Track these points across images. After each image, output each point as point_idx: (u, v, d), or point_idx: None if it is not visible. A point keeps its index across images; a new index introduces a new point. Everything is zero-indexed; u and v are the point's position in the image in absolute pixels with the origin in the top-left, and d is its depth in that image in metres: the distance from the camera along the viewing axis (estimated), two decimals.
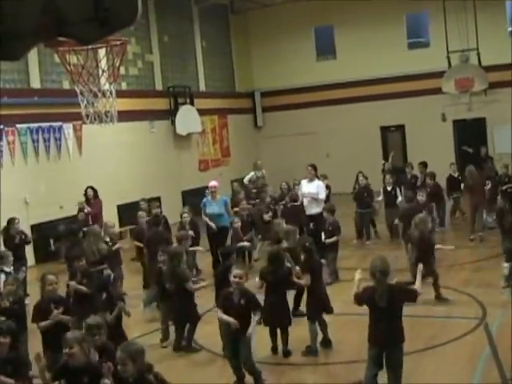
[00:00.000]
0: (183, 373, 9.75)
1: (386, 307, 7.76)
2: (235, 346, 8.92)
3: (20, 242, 15.29)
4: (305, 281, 10.36)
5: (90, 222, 18.38)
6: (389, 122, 29.22)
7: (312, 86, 29.93)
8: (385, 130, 29.77)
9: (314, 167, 16.85)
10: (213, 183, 16.59)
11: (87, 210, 18.45)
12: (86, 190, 18.98)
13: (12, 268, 12.81)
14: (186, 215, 15.86)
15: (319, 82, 29.78)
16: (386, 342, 7.87)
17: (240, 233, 15.74)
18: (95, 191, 19.00)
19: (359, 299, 8.05)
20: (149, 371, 6.48)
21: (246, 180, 21.65)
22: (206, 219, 15.99)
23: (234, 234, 15.67)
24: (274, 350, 10.34)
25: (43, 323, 9.05)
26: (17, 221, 15.38)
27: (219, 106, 29.19)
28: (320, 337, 10.37)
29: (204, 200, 16.37)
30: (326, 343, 10.41)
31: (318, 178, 17.06)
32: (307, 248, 10.82)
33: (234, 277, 8.92)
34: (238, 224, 15.73)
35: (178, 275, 10.95)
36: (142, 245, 14.97)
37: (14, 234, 15.28)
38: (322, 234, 14.64)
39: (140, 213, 16.16)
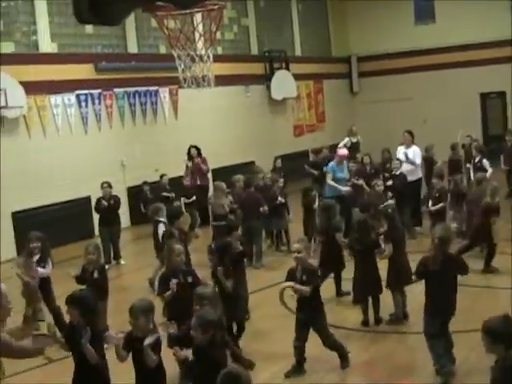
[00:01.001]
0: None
1: (439, 273, 7.76)
2: (302, 325, 8.56)
3: (109, 207, 15.35)
4: (387, 250, 10.16)
5: (198, 181, 18.85)
6: (489, 88, 28.42)
7: (410, 50, 29.34)
8: (484, 96, 28.99)
9: (411, 133, 16.61)
10: (344, 152, 16.41)
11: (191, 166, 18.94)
12: (189, 150, 19.22)
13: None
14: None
15: (417, 47, 29.16)
16: (443, 310, 7.91)
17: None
18: (199, 150, 19.23)
19: (416, 272, 8.23)
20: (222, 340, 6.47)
21: (340, 146, 21.44)
22: (334, 183, 15.58)
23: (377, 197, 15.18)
24: (365, 323, 10.23)
25: (167, 293, 8.58)
26: (105, 185, 15.46)
27: (315, 70, 28.97)
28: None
29: (331, 165, 15.95)
30: (404, 316, 10.28)
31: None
32: (389, 215, 10.65)
33: (294, 252, 8.67)
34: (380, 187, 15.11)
35: (330, 227, 11.54)
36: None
37: (105, 197, 15.40)
38: (430, 201, 14.29)
39: (236, 177, 16.13)
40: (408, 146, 16.41)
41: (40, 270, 10.32)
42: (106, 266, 14.50)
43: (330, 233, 11.61)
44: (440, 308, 7.94)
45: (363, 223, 10.46)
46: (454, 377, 8.02)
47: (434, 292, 7.92)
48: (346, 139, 21.33)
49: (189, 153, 19.22)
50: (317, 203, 14.91)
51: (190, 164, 19.07)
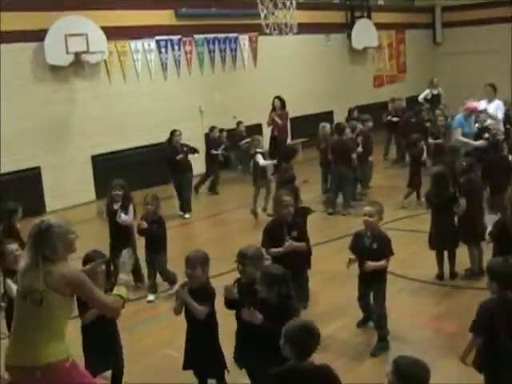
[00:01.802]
0: None
1: None
2: (366, 292, 8.18)
3: (181, 153, 15.12)
4: (461, 204, 9.95)
5: (276, 133, 18.75)
6: None
7: (496, 0, 28.41)
8: None
9: (493, 86, 16.16)
10: (473, 105, 15.53)
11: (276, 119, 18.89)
12: (273, 100, 19.17)
13: None
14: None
15: None
16: None
17: None
18: (282, 101, 19.14)
19: (495, 236, 8.06)
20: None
21: (420, 98, 21.12)
22: (464, 138, 14.82)
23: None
24: (440, 277, 10.11)
25: (274, 250, 8.27)
26: (178, 133, 15.20)
27: (397, 20, 28.36)
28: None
29: (458, 120, 15.14)
30: (480, 271, 10.01)
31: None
32: (465, 169, 10.48)
33: (364, 215, 7.94)
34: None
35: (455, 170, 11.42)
36: None
37: (176, 146, 15.18)
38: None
39: (323, 124, 15.99)
40: (490, 101, 16.00)
41: (122, 216, 10.37)
42: (187, 216, 14.85)
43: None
44: None
45: (441, 176, 10.21)
46: None
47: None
48: (427, 91, 21.00)
49: (273, 104, 19.19)
50: (425, 155, 14.70)
51: (272, 114, 19.04)
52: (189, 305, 6.51)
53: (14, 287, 6.50)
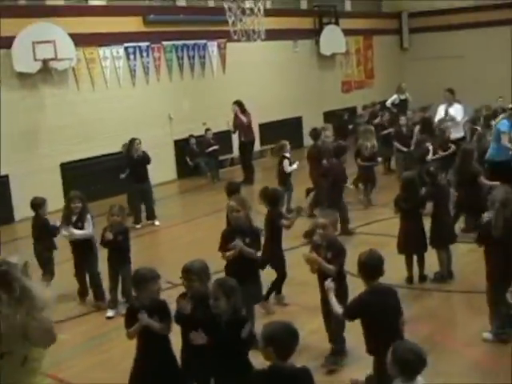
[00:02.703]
0: None
1: (500, 239, 7.56)
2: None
3: (139, 163, 14.95)
4: (427, 208, 10.08)
5: (243, 138, 18.76)
6: None
7: (463, 7, 28.67)
8: None
9: (452, 91, 16.48)
10: None
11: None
12: (232, 106, 19.10)
13: None
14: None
15: (471, 3, 28.49)
16: (506, 276, 7.78)
17: None
18: (241, 106, 19.07)
19: (478, 237, 8.00)
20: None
21: (388, 103, 21.28)
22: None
23: None
24: (410, 279, 10.19)
25: (228, 253, 8.24)
26: (137, 141, 14.97)
27: (365, 26, 28.56)
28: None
29: (505, 124, 13.26)
30: (449, 274, 10.22)
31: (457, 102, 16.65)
32: (431, 173, 10.54)
33: (317, 227, 7.84)
34: None
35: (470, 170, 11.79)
36: None
37: (134, 155, 14.98)
38: None
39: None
40: (450, 105, 16.31)
41: (75, 231, 10.10)
42: (138, 226, 14.75)
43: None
44: (506, 274, 7.81)
45: (410, 181, 10.31)
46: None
47: (497, 258, 7.76)
48: (395, 96, 21.17)
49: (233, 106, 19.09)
50: (430, 156, 14.56)
51: (230, 122, 18.96)
52: (151, 327, 6.32)
53: None
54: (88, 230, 10.16)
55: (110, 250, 9.78)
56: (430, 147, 14.62)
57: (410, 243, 10.09)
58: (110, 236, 9.51)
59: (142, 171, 14.95)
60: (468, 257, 11.01)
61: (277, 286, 9.72)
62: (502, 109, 16.52)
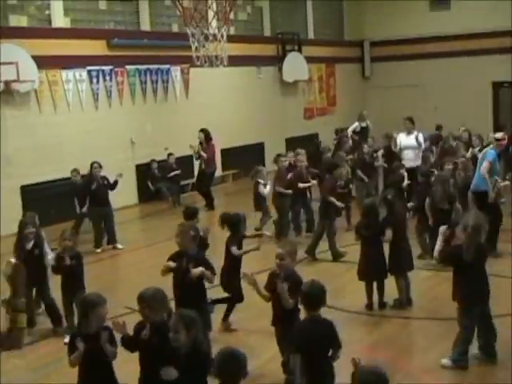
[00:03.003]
0: None
1: (473, 264, 7.66)
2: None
3: (98, 188, 14.90)
4: (386, 236, 10.18)
5: (204, 167, 18.72)
6: (502, 77, 28.21)
7: (424, 37, 29.12)
8: (497, 85, 28.82)
9: (411, 120, 16.75)
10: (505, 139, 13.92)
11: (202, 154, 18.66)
12: (198, 134, 18.99)
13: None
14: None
15: (431, 34, 28.90)
16: (476, 299, 7.83)
17: None
18: (207, 134, 18.94)
19: (444, 257, 8.04)
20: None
21: (350, 130, 21.44)
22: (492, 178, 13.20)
23: None
24: (369, 306, 10.24)
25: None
26: (95, 165, 14.94)
27: (327, 54, 28.85)
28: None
29: (492, 154, 12.97)
30: (408, 301, 10.29)
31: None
32: (388, 201, 10.69)
33: (276, 258, 7.64)
34: None
35: (450, 196, 11.91)
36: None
37: (93, 180, 14.92)
38: None
39: (282, 158, 15.67)
40: (409, 133, 16.57)
41: (49, 256, 9.99)
42: (98, 250, 14.66)
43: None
44: (477, 297, 7.88)
45: (371, 208, 10.40)
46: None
47: (469, 282, 7.82)
48: (356, 124, 21.34)
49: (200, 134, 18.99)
50: (405, 182, 14.63)
51: (196, 148, 18.78)
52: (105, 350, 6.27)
53: None
54: (51, 256, 9.99)
55: (63, 277, 9.58)
56: (405, 174, 14.74)
57: (371, 270, 10.15)
58: (67, 261, 9.34)
59: (103, 195, 14.91)
60: (426, 283, 11.17)
61: (230, 309, 9.73)
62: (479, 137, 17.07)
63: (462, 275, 7.88)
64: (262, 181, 15.04)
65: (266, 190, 15.01)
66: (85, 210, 15.16)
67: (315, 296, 6.43)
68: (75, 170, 15.52)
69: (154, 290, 6.46)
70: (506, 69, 27.54)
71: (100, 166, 15.02)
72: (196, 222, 10.09)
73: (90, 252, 13.88)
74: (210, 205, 18.52)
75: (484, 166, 12.68)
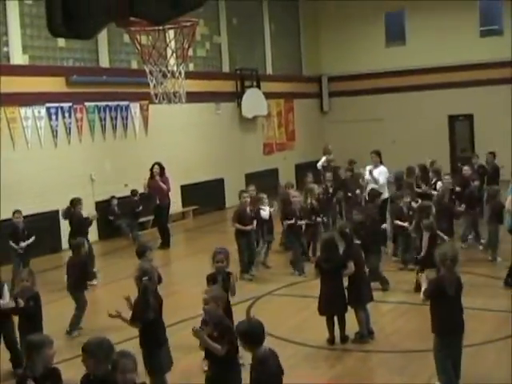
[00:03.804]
0: None
1: (454, 296, 7.74)
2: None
3: (82, 223, 15.20)
4: (348, 268, 10.17)
5: (157, 201, 18.62)
6: (457, 110, 28.76)
7: (380, 72, 29.62)
8: (453, 118, 29.35)
9: (378, 153, 16.88)
10: None
11: (145, 189, 18.57)
12: (152, 166, 18.90)
13: None
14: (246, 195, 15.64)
15: (387, 68, 29.45)
16: (457, 330, 7.86)
17: None
18: (162, 168, 18.90)
19: (430, 293, 8.02)
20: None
21: (319, 165, 21.23)
22: None
23: None
24: (331, 341, 10.21)
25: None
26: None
27: (286, 89, 29.11)
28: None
29: None
30: (369, 333, 10.34)
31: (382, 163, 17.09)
32: (345, 234, 10.76)
33: (203, 300, 7.49)
34: None
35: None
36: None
37: (79, 215, 15.20)
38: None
39: (245, 194, 15.49)
40: (375, 166, 16.69)
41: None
42: None
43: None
44: (454, 328, 7.94)
45: (330, 242, 10.40)
46: None
47: (448, 312, 7.87)
48: (323, 158, 21.11)
49: (152, 169, 18.83)
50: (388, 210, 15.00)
51: (146, 181, 18.67)
52: None
53: None
54: (6, 299, 9.63)
55: (19, 318, 9.41)
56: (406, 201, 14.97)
57: (331, 304, 10.15)
58: (21, 304, 9.16)
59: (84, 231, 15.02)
60: (387, 317, 11.22)
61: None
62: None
63: (443, 308, 7.92)
64: (263, 207, 15.38)
65: (266, 213, 15.29)
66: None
67: (255, 333, 6.27)
68: (18, 212, 15.20)
69: (99, 340, 6.21)
70: (461, 102, 28.10)
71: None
72: (148, 259, 9.89)
73: (52, 290, 13.66)
74: (166, 242, 18.44)
75: (508, 201, 13.22)
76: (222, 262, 9.28)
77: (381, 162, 16.96)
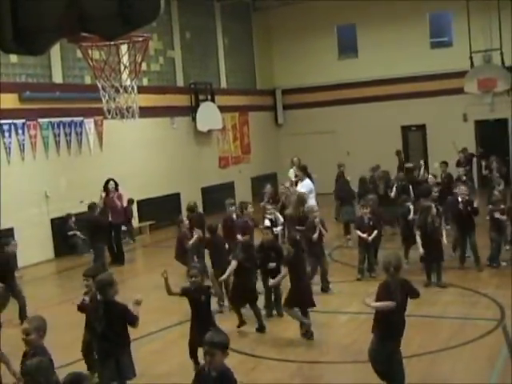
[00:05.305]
0: None
1: (399, 302, 7.81)
2: None
3: None
4: (283, 272, 10.91)
5: (109, 217, 18.43)
6: (410, 121, 29.15)
7: (333, 84, 29.89)
8: (406, 129, 29.71)
9: (304, 168, 17.63)
10: None
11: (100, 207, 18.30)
12: (106, 182, 18.85)
13: None
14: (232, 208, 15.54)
15: (340, 81, 29.73)
16: (400, 335, 7.93)
17: None
18: (116, 184, 18.87)
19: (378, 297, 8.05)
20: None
21: (293, 178, 20.90)
22: None
23: None
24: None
25: None
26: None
27: (240, 102, 29.22)
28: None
29: None
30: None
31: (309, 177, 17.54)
32: (295, 241, 11.10)
33: (23, 330, 6.95)
34: None
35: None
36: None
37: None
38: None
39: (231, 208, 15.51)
40: (301, 180, 17.17)
41: None
42: None
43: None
44: (395, 332, 7.92)
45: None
46: None
47: (391, 318, 7.83)
48: (291, 170, 20.93)
49: (106, 185, 18.76)
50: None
51: (103, 195, 18.50)
52: None
53: None
54: None
55: None
56: (411, 207, 15.55)
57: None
58: None
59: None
60: (345, 328, 11.27)
61: None
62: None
63: (385, 312, 7.91)
64: (269, 216, 15.54)
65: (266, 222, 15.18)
66: None
67: None
68: None
69: (39, 362, 5.95)
70: (414, 113, 28.49)
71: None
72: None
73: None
74: (119, 259, 18.26)
75: None
76: (196, 277, 9.41)
77: (308, 176, 17.30)
